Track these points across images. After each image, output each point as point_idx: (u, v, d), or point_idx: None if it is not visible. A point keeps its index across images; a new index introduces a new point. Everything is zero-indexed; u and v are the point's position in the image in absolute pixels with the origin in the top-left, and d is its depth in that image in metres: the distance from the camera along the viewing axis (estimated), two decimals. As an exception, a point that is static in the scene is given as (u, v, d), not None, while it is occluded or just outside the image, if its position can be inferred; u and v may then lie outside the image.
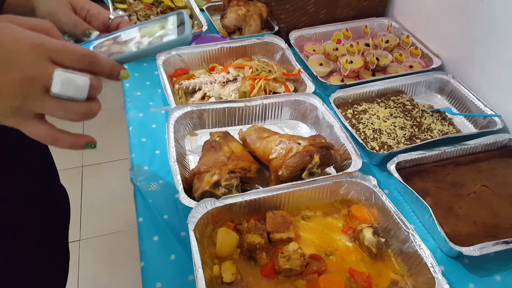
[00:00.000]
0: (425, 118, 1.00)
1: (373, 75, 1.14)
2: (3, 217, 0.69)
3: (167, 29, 0.48)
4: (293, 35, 1.23)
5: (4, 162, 0.67)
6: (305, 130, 0.99)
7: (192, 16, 1.36)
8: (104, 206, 1.93)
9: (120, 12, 0.58)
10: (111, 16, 0.57)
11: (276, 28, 1.28)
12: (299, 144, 0.79)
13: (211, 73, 1.14)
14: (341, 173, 0.77)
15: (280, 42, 1.19)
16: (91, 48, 0.50)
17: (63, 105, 0.40)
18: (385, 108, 1.02)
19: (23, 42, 0.38)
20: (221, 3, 1.40)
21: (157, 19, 0.51)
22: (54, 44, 0.39)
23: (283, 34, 1.26)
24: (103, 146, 2.24)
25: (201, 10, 1.38)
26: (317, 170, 0.77)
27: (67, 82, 0.39)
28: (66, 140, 0.43)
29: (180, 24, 0.48)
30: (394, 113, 1.00)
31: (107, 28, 0.57)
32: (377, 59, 1.12)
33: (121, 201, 1.91)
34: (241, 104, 0.97)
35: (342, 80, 1.11)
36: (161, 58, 1.09)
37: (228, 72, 1.11)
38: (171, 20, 0.50)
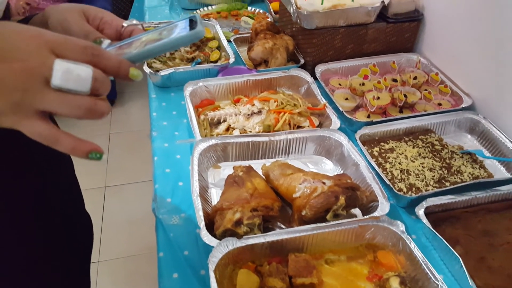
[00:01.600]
0: (455, 159, 0.97)
1: (401, 112, 1.12)
2: (27, 244, 0.69)
3: (182, 28, 0.48)
4: (319, 69, 1.23)
5: (34, 190, 0.68)
6: (329, 167, 0.97)
7: (219, 47, 1.39)
8: (124, 228, 1.94)
9: (134, 21, 0.57)
10: (124, 24, 0.56)
11: (302, 61, 1.28)
12: (324, 183, 0.78)
13: (236, 105, 1.15)
14: (367, 216, 0.74)
15: (305, 75, 1.19)
16: None
17: (65, 98, 0.37)
18: (413, 147, 0.99)
19: (24, 34, 0.37)
20: (249, 35, 1.42)
21: (170, 24, 0.51)
22: (54, 36, 0.38)
23: (309, 67, 1.26)
24: (127, 167, 2.28)
25: (228, 41, 1.40)
26: (342, 212, 0.75)
27: (68, 73, 0.37)
28: (68, 143, 0.39)
29: (193, 23, 0.48)
30: (423, 153, 0.98)
31: (120, 36, 0.56)
32: (405, 96, 1.10)
33: (141, 224, 1.91)
34: (265, 139, 0.96)
35: (369, 116, 1.10)
36: (188, 89, 1.10)
37: (253, 105, 1.12)
38: (185, 23, 0.49)
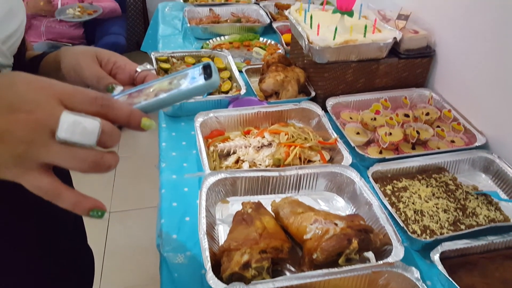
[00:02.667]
0: (470, 201, 0.94)
1: (413, 148, 1.10)
2: (29, 280, 0.67)
3: (195, 76, 0.46)
4: (330, 102, 1.22)
5: (37, 227, 0.67)
6: (341, 204, 0.95)
7: (231, 77, 1.39)
8: (127, 257, 1.90)
9: (148, 66, 0.56)
10: (138, 69, 0.55)
11: (313, 93, 1.28)
12: (336, 225, 0.75)
13: (246, 137, 1.14)
14: (381, 262, 0.71)
15: (316, 108, 1.18)
16: None
17: (70, 151, 0.36)
18: (427, 187, 0.97)
19: (33, 84, 0.36)
20: (260, 66, 1.43)
21: (184, 70, 0.49)
22: (64, 87, 0.38)
23: (320, 100, 1.25)
24: (133, 192, 2.26)
25: (240, 71, 1.41)
26: (355, 256, 0.72)
27: (75, 125, 0.36)
28: (70, 199, 0.38)
29: (208, 71, 0.46)
30: (437, 193, 0.95)
31: (133, 81, 0.55)
32: (418, 132, 1.09)
33: (145, 253, 1.88)
34: (275, 174, 0.94)
35: (381, 152, 1.08)
36: (198, 120, 1.10)
37: (263, 137, 1.11)
38: (198, 70, 0.48)
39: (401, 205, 0.91)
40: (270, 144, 1.09)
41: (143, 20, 3.58)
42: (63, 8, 2.40)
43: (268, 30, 1.78)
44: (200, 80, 0.45)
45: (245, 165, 1.05)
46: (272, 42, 1.70)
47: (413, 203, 0.92)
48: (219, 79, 0.45)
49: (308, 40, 1.19)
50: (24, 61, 0.63)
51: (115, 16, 2.59)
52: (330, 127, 1.11)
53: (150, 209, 2.14)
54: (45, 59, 0.61)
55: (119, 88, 0.51)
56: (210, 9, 1.89)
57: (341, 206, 0.94)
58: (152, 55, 1.39)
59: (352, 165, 0.98)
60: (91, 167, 0.37)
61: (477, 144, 1.07)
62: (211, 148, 1.08)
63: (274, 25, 1.74)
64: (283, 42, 1.64)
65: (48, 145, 0.35)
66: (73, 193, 0.38)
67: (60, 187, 0.38)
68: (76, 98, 0.37)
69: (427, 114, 1.18)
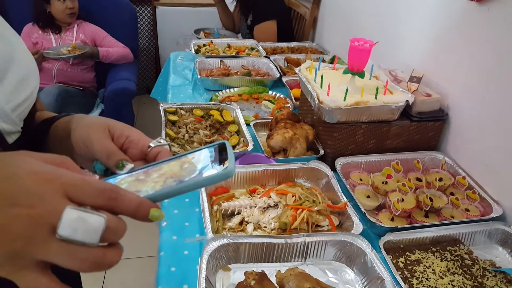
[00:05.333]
0: (487, 278, 0.88)
1: (426, 216, 1.05)
2: None
3: (208, 161, 0.44)
4: (339, 162, 1.19)
5: None
6: (350, 277, 0.88)
7: (238, 132, 1.38)
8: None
9: (162, 141, 0.53)
10: (151, 144, 0.52)
11: (322, 152, 1.25)
12: (346, 306, 0.69)
13: (252, 195, 1.10)
14: None
15: (325, 168, 1.14)
16: (118, 180, 0.44)
17: (70, 250, 0.33)
18: (441, 260, 0.91)
19: (38, 176, 0.34)
20: (269, 120, 1.41)
21: (198, 150, 0.47)
22: (70, 178, 0.35)
23: (329, 159, 1.22)
24: (132, 240, 2.19)
25: (247, 125, 1.39)
26: None
27: (77, 222, 0.33)
28: None
29: (223, 154, 0.44)
30: (452, 268, 0.89)
31: (145, 157, 0.52)
32: (431, 199, 1.04)
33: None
34: (281, 241, 0.89)
35: (392, 219, 1.03)
36: (203, 177, 1.06)
37: (270, 197, 1.07)
38: (213, 151, 0.45)
39: (414, 281, 0.85)
40: (276, 205, 1.04)
41: (154, 66, 3.66)
42: (57, 47, 2.43)
43: (277, 83, 1.79)
44: (215, 169, 0.41)
45: (250, 227, 1.01)
46: (281, 96, 1.70)
47: (427, 279, 0.86)
48: (234, 167, 0.42)
49: (318, 99, 1.18)
50: (34, 123, 0.61)
51: (127, 61, 2.64)
52: (340, 189, 1.07)
53: (149, 259, 2.06)
54: (56, 123, 0.59)
55: (129, 166, 0.48)
56: (221, 61, 1.91)
57: (350, 279, 0.88)
58: (160, 107, 1.38)
59: (362, 232, 0.93)
60: (91, 267, 0.34)
61: (493, 215, 1.02)
62: (215, 207, 1.04)
63: (284, 79, 1.75)
64: (292, 96, 1.64)
65: (47, 243, 0.33)
66: None
67: (57, 286, 0.35)
68: (83, 191, 0.35)
69: (440, 179, 1.14)
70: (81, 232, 0.33)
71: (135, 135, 0.53)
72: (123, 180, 0.44)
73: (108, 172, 0.51)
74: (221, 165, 0.42)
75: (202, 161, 0.43)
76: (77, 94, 2.49)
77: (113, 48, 2.57)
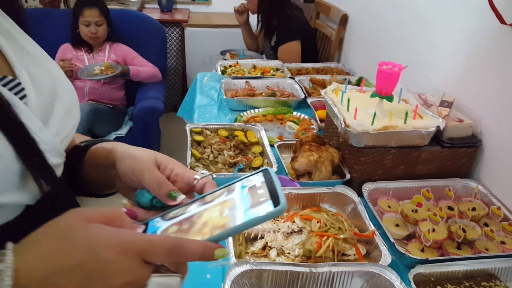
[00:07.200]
0: (529, 319, 0.82)
1: (459, 248, 1.00)
2: None
3: (258, 193, 0.45)
4: (367, 188, 1.15)
5: None
6: (377, 311, 0.84)
7: (262, 153, 1.37)
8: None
9: (204, 171, 0.56)
10: (197, 177, 0.54)
11: (348, 176, 1.22)
12: None
13: (275, 219, 1.08)
14: None
15: (352, 194, 1.11)
16: (169, 225, 0.47)
17: None
18: (476, 297, 0.86)
19: (115, 249, 0.38)
20: (293, 142, 1.40)
21: (243, 178, 0.49)
22: (142, 245, 0.39)
23: (355, 184, 1.19)
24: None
25: (272, 146, 1.38)
26: None
27: (160, 285, 0.40)
28: None
29: (268, 182, 0.46)
30: (488, 306, 0.84)
31: (191, 189, 0.54)
32: (464, 230, 0.99)
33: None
34: (306, 269, 0.86)
35: (423, 250, 0.98)
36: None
37: (294, 222, 1.04)
38: (259, 180, 0.47)
39: (447, 319, 0.80)
40: (300, 231, 1.02)
41: (181, 84, 3.73)
42: (90, 65, 2.52)
43: (302, 104, 1.77)
44: (269, 205, 0.43)
45: (273, 253, 0.98)
46: (306, 117, 1.69)
47: (461, 318, 0.81)
48: (286, 203, 0.43)
49: (345, 123, 1.16)
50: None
51: (155, 81, 2.70)
52: (367, 216, 1.04)
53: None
54: (93, 150, 0.60)
55: (181, 197, 0.51)
56: (246, 82, 1.92)
57: (378, 313, 0.84)
58: (187, 127, 1.39)
59: (391, 263, 0.89)
60: None
61: (532, 249, 0.96)
62: (238, 231, 1.02)
63: (309, 100, 1.74)
64: (317, 118, 1.63)
65: None
66: None
67: None
68: (155, 253, 0.40)
69: (474, 209, 1.08)
70: None
71: (179, 169, 0.55)
72: (173, 226, 0.47)
73: (154, 202, 0.54)
74: (275, 202, 0.43)
75: (254, 195, 0.45)
76: (107, 112, 2.55)
77: (143, 67, 2.63)
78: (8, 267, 0.34)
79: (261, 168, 0.49)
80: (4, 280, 0.34)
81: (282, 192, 0.43)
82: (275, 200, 0.43)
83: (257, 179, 0.48)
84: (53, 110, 0.51)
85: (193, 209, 0.48)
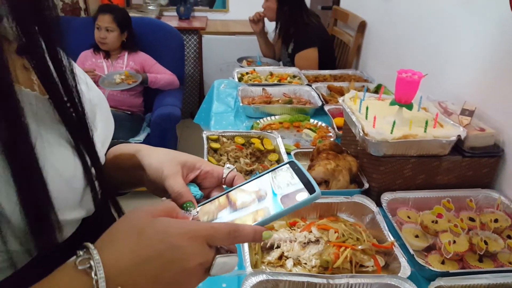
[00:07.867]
0: (557, 337, 0.78)
1: (480, 260, 0.97)
2: None
3: (292, 183, 0.50)
4: (386, 197, 1.13)
5: None
6: (396, 325, 0.83)
7: (279, 161, 1.36)
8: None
9: (229, 165, 0.60)
10: (225, 171, 0.59)
11: (366, 185, 1.20)
12: None
13: (291, 229, 1.07)
14: None
15: (370, 204, 1.10)
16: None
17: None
18: (500, 313, 0.83)
19: (186, 236, 0.43)
20: (310, 150, 1.39)
21: (270, 170, 0.53)
22: (206, 232, 0.45)
23: (374, 194, 1.17)
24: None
25: (288, 153, 1.38)
26: None
27: (223, 264, 0.45)
28: None
29: (297, 172, 0.51)
30: (513, 322, 0.81)
31: (221, 183, 0.59)
32: (486, 243, 0.96)
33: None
34: (323, 281, 0.85)
35: (443, 262, 0.96)
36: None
37: (311, 232, 1.03)
38: (288, 171, 0.52)
39: (470, 335, 0.78)
40: (317, 241, 1.01)
41: (198, 91, 3.77)
42: (110, 74, 2.56)
43: (319, 112, 1.76)
44: (304, 192, 0.48)
45: (289, 263, 0.97)
46: (323, 125, 1.68)
47: (485, 334, 0.78)
48: (319, 190, 0.48)
49: (363, 131, 1.14)
50: None
51: (173, 88, 2.73)
52: (386, 227, 1.02)
53: None
54: (114, 150, 0.62)
55: (193, 211, 0.54)
56: (263, 89, 1.93)
57: (397, 327, 0.82)
58: (204, 134, 1.40)
59: (410, 275, 0.88)
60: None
61: (560, 264, 0.92)
62: (254, 240, 1.02)
63: (326, 107, 1.73)
64: (335, 125, 1.61)
65: (203, 279, 0.46)
66: None
67: None
68: (217, 238, 0.45)
69: (496, 221, 1.05)
70: (225, 270, 0.46)
71: (207, 167, 0.59)
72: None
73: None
74: (309, 190, 0.48)
75: (286, 182, 0.50)
76: (125, 118, 2.60)
77: (161, 75, 2.67)
78: (98, 263, 0.39)
79: (287, 161, 0.53)
80: (100, 273, 0.39)
81: (313, 180, 0.49)
82: (309, 188, 0.48)
83: (286, 170, 0.52)
84: (95, 120, 0.53)
85: (228, 200, 0.53)
